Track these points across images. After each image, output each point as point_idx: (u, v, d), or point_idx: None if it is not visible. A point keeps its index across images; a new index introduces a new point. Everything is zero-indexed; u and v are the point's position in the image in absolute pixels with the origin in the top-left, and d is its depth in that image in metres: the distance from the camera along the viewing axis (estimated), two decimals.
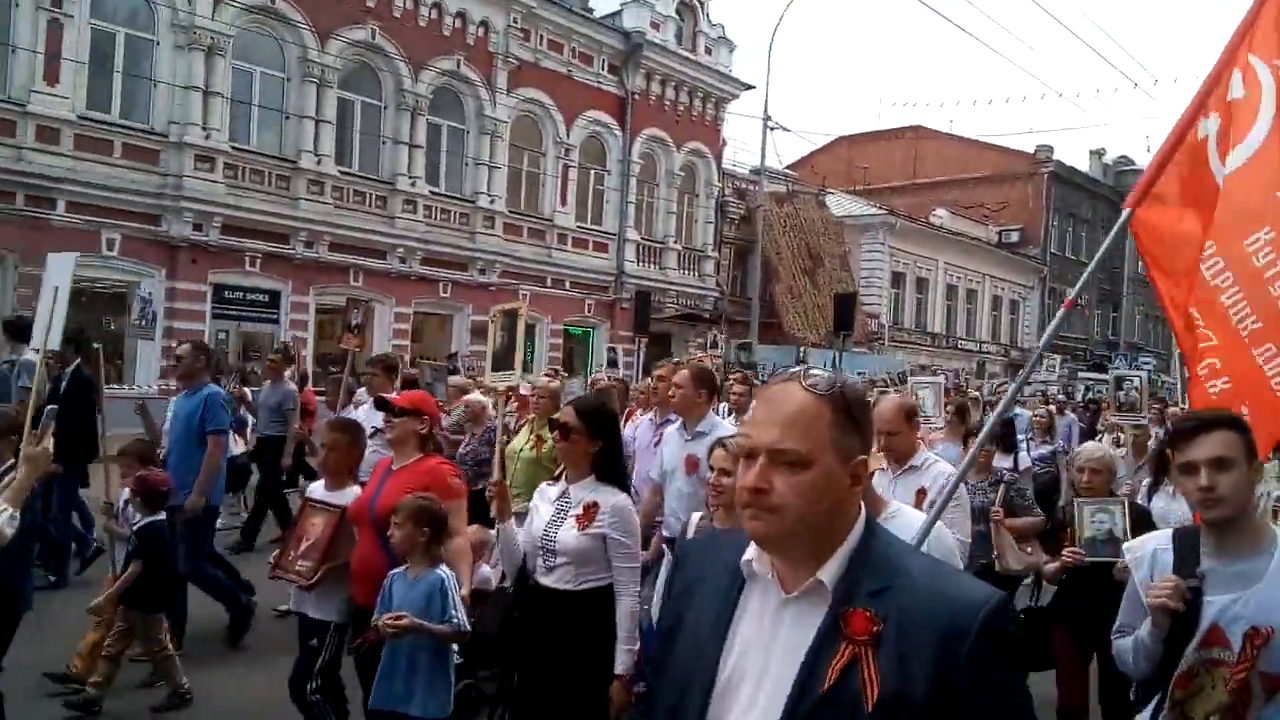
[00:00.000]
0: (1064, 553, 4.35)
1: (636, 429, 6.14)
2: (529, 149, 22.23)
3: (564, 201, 22.84)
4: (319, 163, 17.83)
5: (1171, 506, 5.38)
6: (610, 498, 3.51)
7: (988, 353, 36.76)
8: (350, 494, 4.33)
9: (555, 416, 3.89)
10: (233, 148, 16.79)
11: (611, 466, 3.60)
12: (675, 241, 25.48)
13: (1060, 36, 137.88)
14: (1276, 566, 2.35)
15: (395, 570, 3.74)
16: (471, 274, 20.71)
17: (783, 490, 1.40)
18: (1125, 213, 2.83)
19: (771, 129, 24.67)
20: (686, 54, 25.03)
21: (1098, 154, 44.14)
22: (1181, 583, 2.38)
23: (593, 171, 23.68)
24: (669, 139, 24.95)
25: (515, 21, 20.82)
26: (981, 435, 3.23)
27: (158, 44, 16.06)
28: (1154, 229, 2.93)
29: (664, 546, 5.18)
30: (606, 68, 23.35)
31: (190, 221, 16.21)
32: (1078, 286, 3.06)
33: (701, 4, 25.77)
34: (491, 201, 20.84)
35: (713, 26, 26.07)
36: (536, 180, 22.51)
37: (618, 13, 24.15)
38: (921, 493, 4.13)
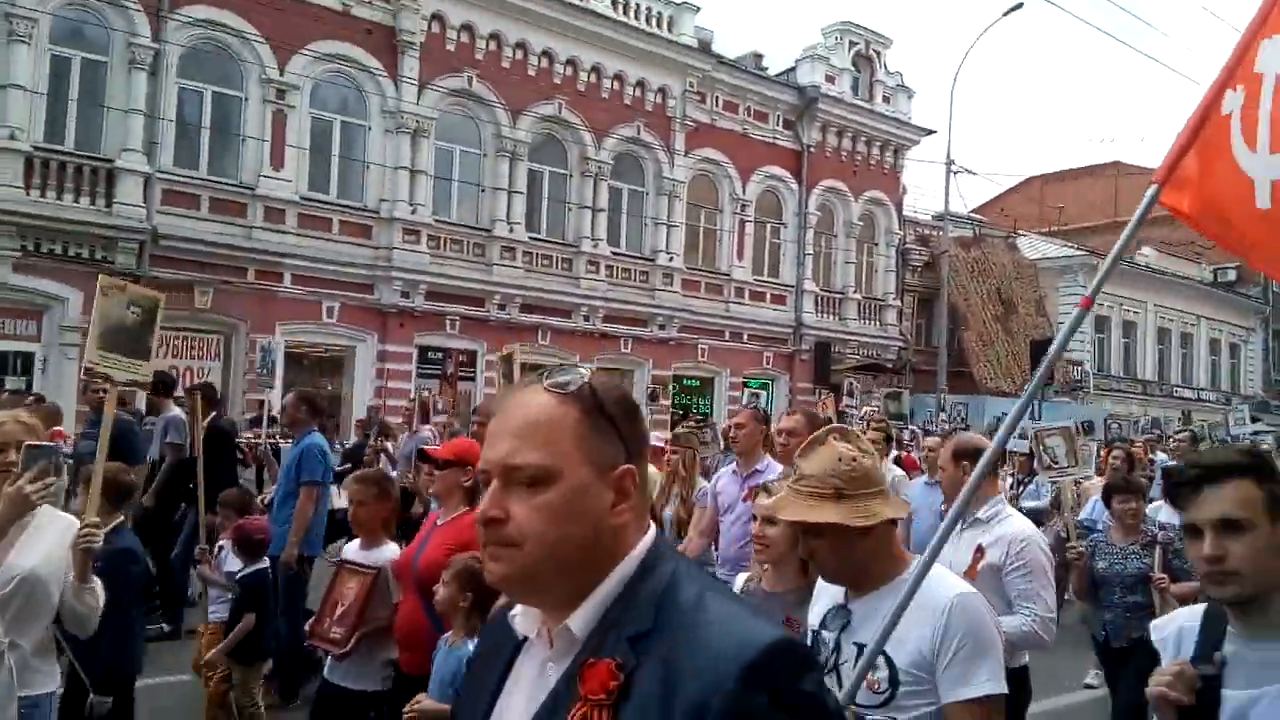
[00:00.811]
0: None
1: (718, 482, 5.54)
2: (706, 206, 22.74)
3: (740, 256, 23.14)
4: (511, 230, 18.98)
5: None
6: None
7: (1206, 400, 33.85)
8: (386, 553, 4.07)
9: None
10: (435, 220, 18.18)
11: None
12: (855, 291, 25.19)
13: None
14: None
15: (444, 635, 3.43)
16: (651, 329, 21.28)
17: (521, 517, 1.15)
18: (1152, 189, 2.50)
19: (955, 173, 24.16)
20: (863, 104, 24.96)
21: None
22: (1190, 669, 1.87)
23: (769, 225, 23.89)
24: (846, 189, 24.84)
25: (692, 85, 21.52)
26: (979, 467, 2.57)
27: (369, 129, 17.71)
28: (1182, 212, 2.61)
29: None
30: (782, 123, 23.63)
31: (399, 290, 17.61)
32: (1096, 282, 2.55)
33: (878, 54, 25.69)
34: (670, 259, 21.42)
35: (890, 75, 25.90)
36: (714, 236, 22.95)
37: (792, 69, 24.47)
38: (979, 552, 3.66)
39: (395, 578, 3.90)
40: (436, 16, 17.97)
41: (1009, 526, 3.68)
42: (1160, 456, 12.38)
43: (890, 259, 26.21)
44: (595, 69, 20.09)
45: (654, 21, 20.80)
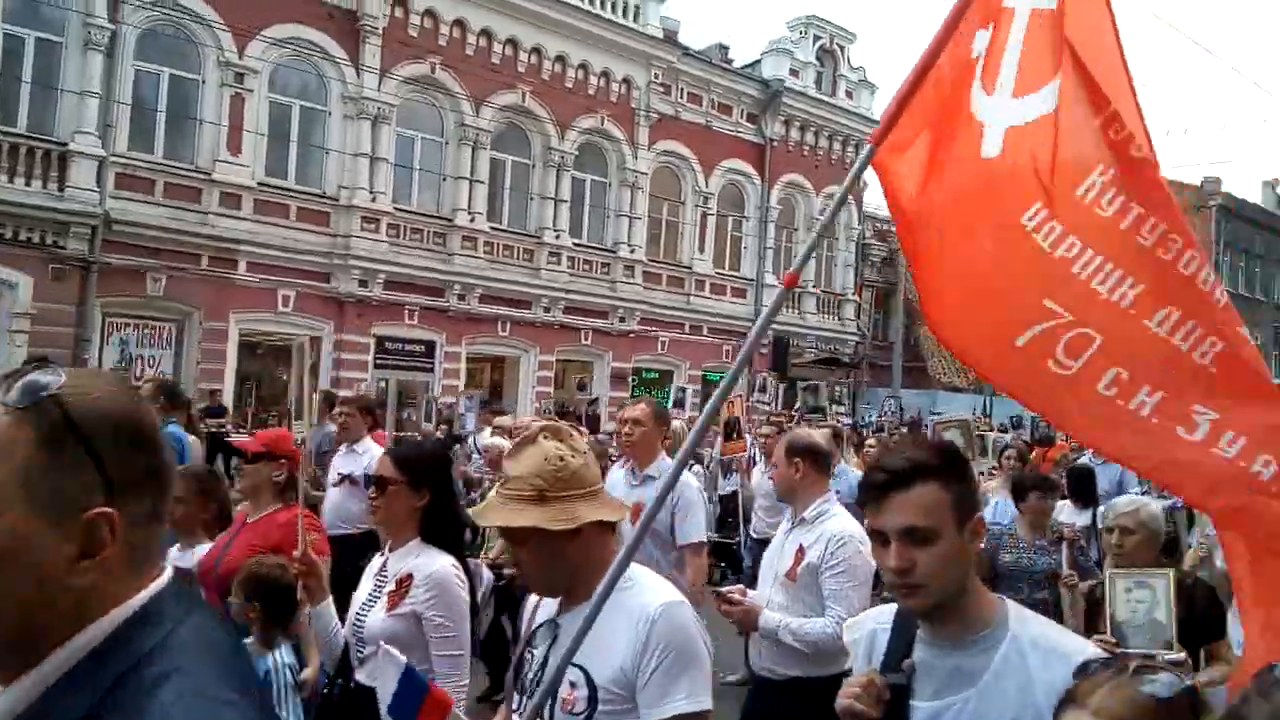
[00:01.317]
0: (1092, 640, 3.60)
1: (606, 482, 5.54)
2: (668, 199, 22.72)
3: (702, 249, 23.17)
4: (472, 220, 18.78)
5: None
6: (430, 564, 2.82)
7: None
8: (199, 554, 3.65)
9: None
10: (395, 208, 17.92)
11: (442, 526, 2.94)
12: (814, 286, 25.39)
13: (1215, 69, 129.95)
14: (1002, 661, 1.70)
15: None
16: (612, 321, 21.25)
17: None
18: (867, 149, 2.23)
19: None
20: (826, 99, 25.08)
21: (1271, 185, 41.33)
22: (879, 680, 1.75)
23: (731, 219, 23.95)
24: (808, 184, 24.98)
25: (656, 77, 21.43)
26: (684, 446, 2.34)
27: (329, 115, 17.37)
28: (890, 173, 2.31)
29: None
30: (745, 117, 23.66)
31: (357, 278, 17.35)
32: (798, 260, 2.37)
33: (842, 49, 25.81)
34: (631, 251, 21.38)
35: (853, 70, 26.04)
36: (675, 229, 22.95)
37: (757, 62, 24.49)
38: (800, 552, 3.54)
39: (199, 581, 3.49)
40: (399, 2, 17.65)
41: (830, 525, 3.55)
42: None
43: (850, 254, 26.45)
44: (560, 58, 19.90)
45: (620, 11, 20.63)
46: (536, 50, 19.53)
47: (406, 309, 18.12)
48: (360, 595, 2.93)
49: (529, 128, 19.90)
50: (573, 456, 2.04)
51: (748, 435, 8.87)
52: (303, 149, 17.29)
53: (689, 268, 22.96)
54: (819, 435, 4.18)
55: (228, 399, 15.66)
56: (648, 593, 2.02)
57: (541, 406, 16.93)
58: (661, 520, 4.41)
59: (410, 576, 2.80)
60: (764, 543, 6.87)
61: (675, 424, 7.85)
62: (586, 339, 20.98)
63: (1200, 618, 3.54)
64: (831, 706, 1.79)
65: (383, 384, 18.21)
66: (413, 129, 18.39)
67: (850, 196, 26.03)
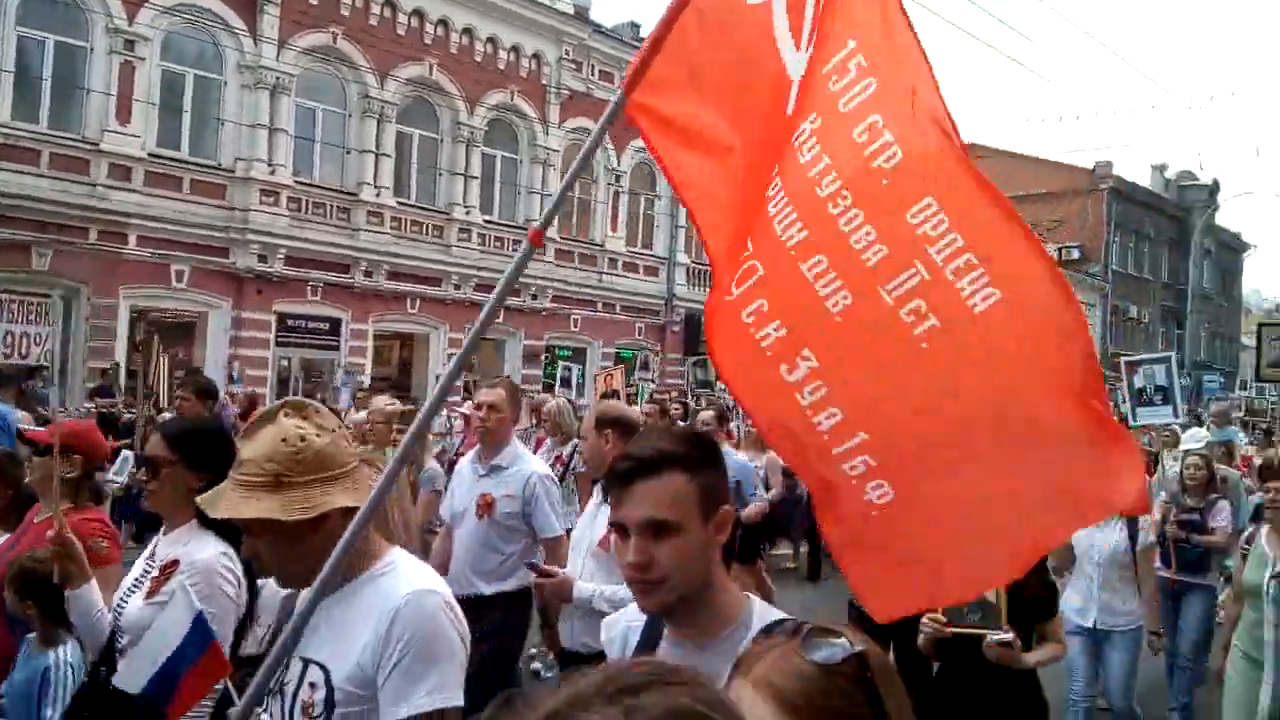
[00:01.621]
0: (924, 620, 3.43)
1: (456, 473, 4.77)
2: (580, 177, 22.54)
3: (614, 227, 23.15)
4: (378, 194, 18.37)
5: (1096, 536, 5.03)
6: (198, 551, 2.57)
7: None
8: None
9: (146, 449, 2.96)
10: (296, 182, 17.41)
11: None
12: None
13: (1111, 57, 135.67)
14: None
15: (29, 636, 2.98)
16: (524, 299, 21.08)
17: None
18: (618, 95, 2.08)
19: None
20: None
21: (1159, 169, 43.30)
22: None
23: (643, 197, 23.98)
24: None
25: (567, 54, 21.27)
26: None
27: (225, 84, 16.75)
28: (657, 116, 2.17)
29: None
30: None
31: (256, 253, 16.81)
32: (545, 216, 2.22)
33: None
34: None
35: None
36: (588, 207, 22.87)
37: None
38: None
39: None
40: None
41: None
42: None
43: None
44: (468, 31, 19.57)
45: None
46: (443, 22, 19.18)
47: (310, 285, 17.64)
48: (127, 580, 2.72)
49: (437, 102, 19.54)
50: (317, 435, 1.83)
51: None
52: (197, 119, 16.66)
53: (601, 246, 22.91)
54: (620, 408, 4.15)
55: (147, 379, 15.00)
56: (399, 582, 1.83)
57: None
58: (514, 512, 4.19)
59: (175, 563, 2.57)
60: None
61: (552, 403, 7.71)
62: (499, 317, 20.71)
63: (1032, 597, 3.47)
64: None
65: (285, 362, 17.79)
66: (314, 100, 17.87)
67: None
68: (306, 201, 17.62)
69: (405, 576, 1.86)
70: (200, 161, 16.57)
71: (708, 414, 7.96)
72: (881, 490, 1.99)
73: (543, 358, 21.60)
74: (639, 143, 23.15)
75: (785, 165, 2.10)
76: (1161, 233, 42.25)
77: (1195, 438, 8.11)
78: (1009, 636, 3.31)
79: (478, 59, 19.87)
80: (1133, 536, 5.00)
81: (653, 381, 16.77)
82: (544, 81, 21.03)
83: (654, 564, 1.58)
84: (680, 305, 24.12)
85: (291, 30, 17.02)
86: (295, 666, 1.81)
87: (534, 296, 21.23)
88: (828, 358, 2.02)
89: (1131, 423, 8.39)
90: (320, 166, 18.16)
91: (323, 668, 1.78)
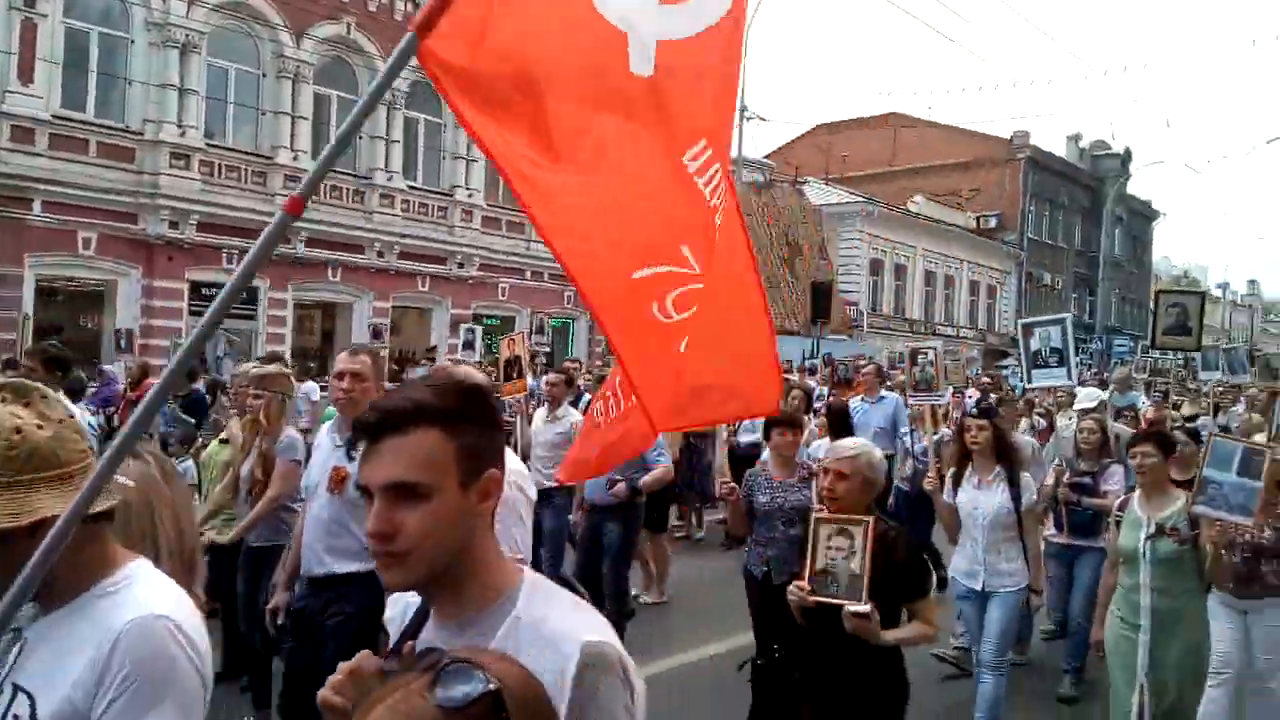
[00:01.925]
0: (790, 588, 3.43)
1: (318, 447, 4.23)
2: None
3: None
4: (295, 158, 17.83)
5: (979, 499, 5.07)
6: None
7: (966, 337, 37.11)
8: None
9: None
10: (208, 145, 16.79)
11: None
12: None
13: (1028, 28, 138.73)
14: (499, 647, 1.33)
15: None
16: (450, 267, 20.78)
17: None
18: (408, 36, 1.67)
19: (748, 118, 24.87)
20: None
21: (1074, 139, 44.55)
22: (370, 664, 1.40)
23: None
24: None
25: None
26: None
27: (132, 42, 16.02)
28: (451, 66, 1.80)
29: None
30: None
31: (166, 219, 16.21)
32: (306, 182, 1.68)
33: None
34: (469, 195, 20.89)
35: None
36: None
37: None
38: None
39: None
40: None
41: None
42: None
43: None
44: None
45: None
46: None
47: (224, 253, 17.07)
48: None
49: (355, 62, 19.00)
50: (39, 428, 1.52)
51: (529, 375, 8.25)
52: (103, 80, 15.94)
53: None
54: (477, 373, 3.91)
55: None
56: (128, 602, 1.53)
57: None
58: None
59: None
60: (542, 495, 6.39)
61: (462, 369, 7.34)
62: (424, 285, 20.43)
63: (902, 572, 3.38)
64: None
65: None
66: (226, 59, 17.21)
67: None
68: (219, 165, 17.02)
69: (136, 596, 1.55)
70: (107, 124, 15.86)
71: (552, 375, 7.84)
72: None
73: (464, 325, 21.33)
74: None
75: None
76: (1075, 201, 43.60)
77: (1090, 397, 8.06)
78: (866, 609, 3.19)
79: (398, 18, 19.33)
80: (1015, 499, 4.99)
81: (546, 348, 16.32)
82: None
83: (399, 533, 1.36)
84: None
85: None
86: (6, 692, 1.52)
87: (460, 265, 20.94)
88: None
89: (1026, 384, 8.46)
90: (234, 129, 17.54)
91: (29, 697, 1.49)
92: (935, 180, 39.43)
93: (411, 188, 20.03)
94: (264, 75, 17.69)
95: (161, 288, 16.40)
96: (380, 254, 19.40)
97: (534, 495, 3.37)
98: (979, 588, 5.03)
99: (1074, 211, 43.76)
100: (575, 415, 6.94)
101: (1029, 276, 40.92)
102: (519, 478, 3.23)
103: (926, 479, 5.72)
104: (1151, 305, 48.94)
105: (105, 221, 15.71)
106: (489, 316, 22.10)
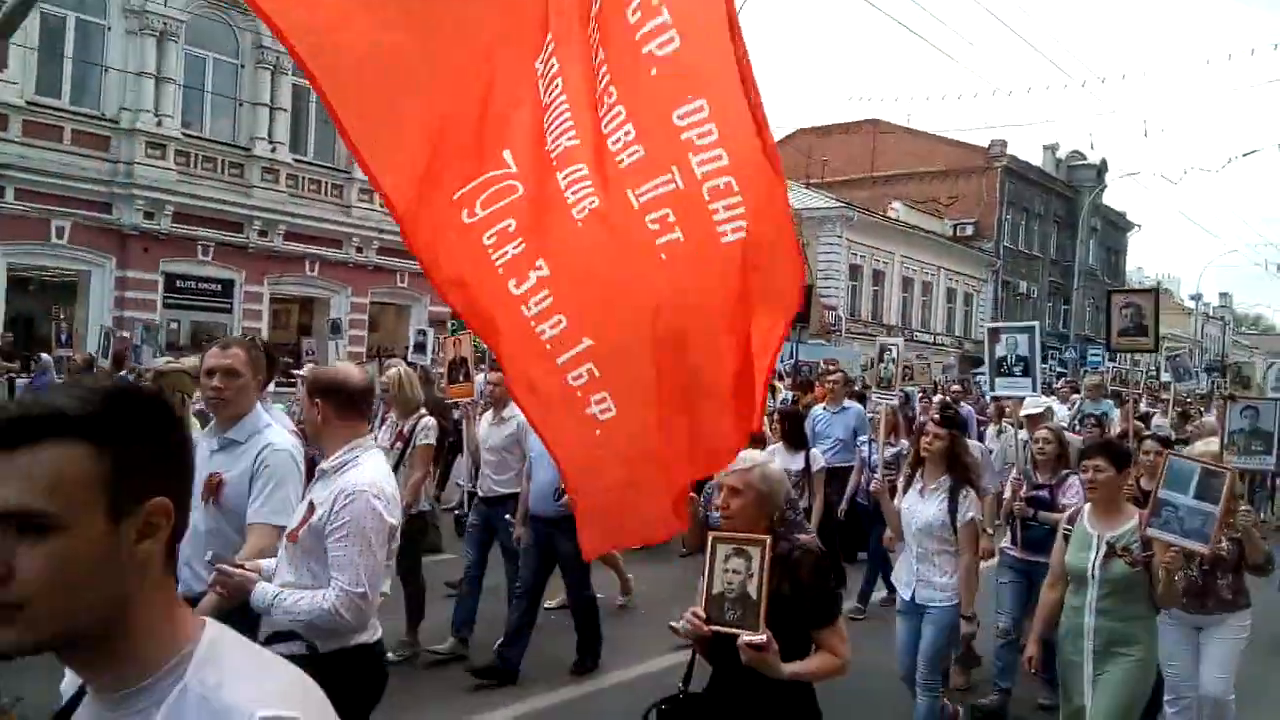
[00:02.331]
0: (684, 616, 3.04)
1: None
2: None
3: None
4: (273, 150, 17.68)
5: (917, 506, 4.81)
6: None
7: (942, 344, 37.36)
8: None
9: None
10: (185, 134, 16.62)
11: None
12: None
13: (1009, 37, 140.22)
14: (167, 718, 1.07)
15: None
16: None
17: None
18: None
19: None
20: None
21: (1050, 149, 44.95)
22: None
23: None
24: None
25: None
26: None
27: (109, 29, 15.83)
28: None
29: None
30: None
31: (141, 209, 16.01)
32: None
33: None
34: None
35: None
36: None
37: None
38: (310, 510, 2.92)
39: None
40: None
41: (348, 477, 2.90)
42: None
43: None
44: None
45: None
46: None
47: (200, 244, 16.92)
48: None
49: None
50: None
51: (478, 377, 7.53)
52: (79, 67, 15.74)
53: None
54: (333, 372, 3.27)
55: None
56: None
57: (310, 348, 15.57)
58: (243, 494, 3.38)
59: None
60: (492, 502, 6.20)
61: (391, 372, 6.57)
62: (402, 281, 20.31)
63: (808, 596, 2.97)
64: (341, 681, 1.46)
65: (174, 325, 17.06)
66: (204, 48, 17.05)
67: None
68: (196, 155, 16.84)
69: None
70: (82, 111, 15.66)
71: (494, 375, 6.28)
72: (604, 405, 1.96)
73: (449, 323, 21.22)
74: None
75: (570, 70, 1.92)
76: (1051, 211, 43.99)
77: (1036, 403, 7.56)
78: (761, 639, 2.80)
79: None
80: (953, 511, 4.69)
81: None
82: None
83: (10, 577, 1.01)
84: None
85: None
86: None
87: None
88: (559, 264, 1.93)
89: (989, 393, 8.05)
90: (211, 119, 17.37)
91: None
92: (914, 187, 39.67)
93: None
94: (243, 65, 17.54)
95: (135, 278, 16.21)
96: (359, 249, 19.27)
97: (396, 519, 2.96)
98: (910, 598, 4.82)
99: (1050, 221, 44.17)
100: (523, 416, 6.15)
101: (1005, 284, 41.25)
102: (374, 493, 2.85)
103: (875, 481, 5.53)
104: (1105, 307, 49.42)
105: (79, 210, 15.51)
106: None
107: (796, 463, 6.46)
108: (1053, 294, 44.92)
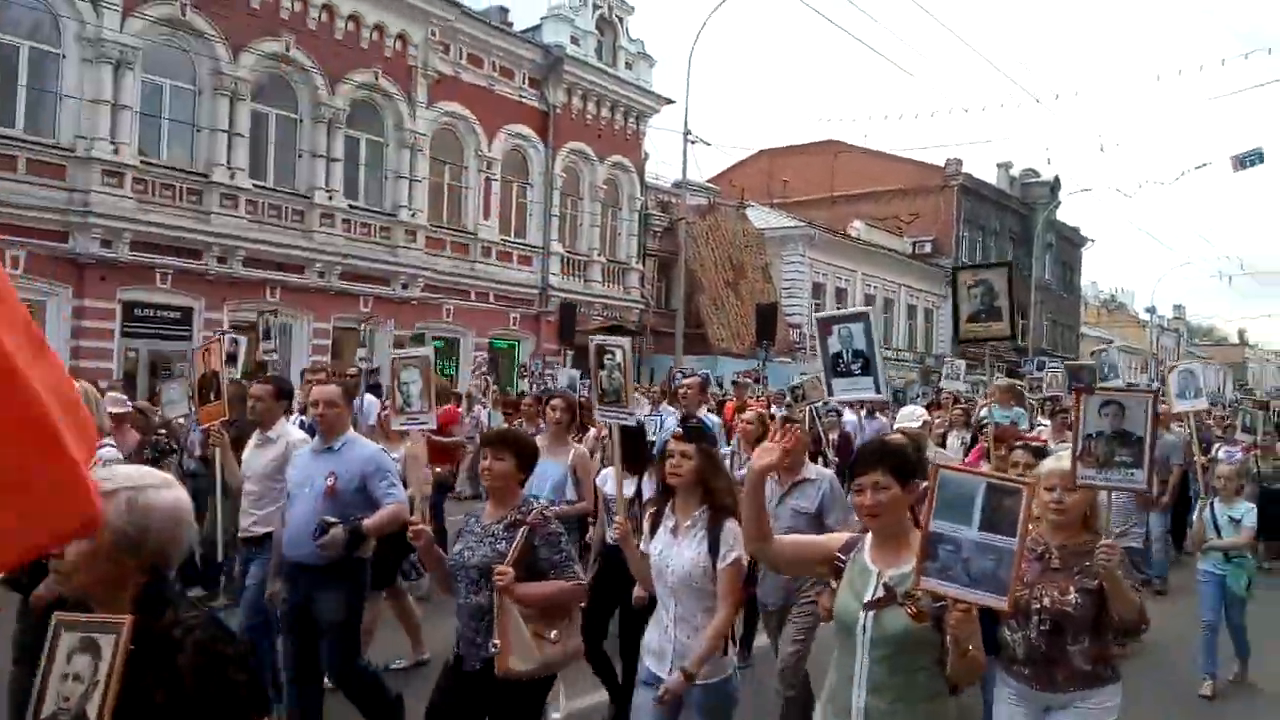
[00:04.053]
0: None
1: None
2: (450, 162, 22.17)
3: (487, 215, 22.80)
4: (232, 176, 17.49)
5: (671, 551, 3.58)
6: None
7: (904, 360, 37.76)
8: None
9: None
10: (142, 162, 16.39)
11: None
12: (599, 254, 25.64)
13: (965, 55, 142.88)
14: None
15: None
16: (394, 288, 20.53)
17: None
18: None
19: (692, 142, 25.02)
20: (607, 69, 25.26)
21: (1004, 167, 45.79)
22: None
23: (515, 185, 23.71)
24: (591, 153, 25.13)
25: (433, 34, 20.78)
26: None
27: (64, 57, 15.60)
28: None
29: None
30: (528, 81, 23.43)
31: (98, 238, 15.75)
32: None
33: (621, 20, 26.05)
34: (413, 215, 20.70)
35: (633, 42, 26.37)
36: (459, 194, 22.45)
37: (537, 27, 24.28)
38: None
39: None
40: None
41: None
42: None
43: (633, 224, 26.88)
44: (327, 7, 18.86)
45: None
46: None
47: (158, 272, 16.66)
48: None
49: (295, 79, 18.75)
50: None
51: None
52: (33, 95, 15.48)
53: (474, 234, 22.53)
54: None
55: None
56: None
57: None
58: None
59: None
60: (255, 543, 5.37)
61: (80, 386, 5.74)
62: (366, 306, 20.15)
63: (190, 708, 1.88)
64: None
65: (133, 354, 16.79)
66: (161, 75, 16.85)
67: (633, 168, 26.52)
68: (153, 183, 16.61)
69: None
70: (37, 140, 15.38)
71: (261, 389, 5.63)
72: None
73: (406, 345, 21.07)
74: (512, 127, 22.95)
75: None
76: (1006, 227, 44.75)
77: (911, 416, 6.95)
78: None
79: (338, 36, 19.17)
80: (714, 552, 3.47)
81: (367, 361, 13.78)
82: (410, 63, 20.49)
83: None
84: (555, 295, 23.99)
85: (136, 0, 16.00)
86: None
87: (404, 285, 20.70)
88: None
89: (829, 397, 6.45)
90: (168, 146, 17.16)
91: None
92: (874, 205, 40.19)
93: (353, 207, 19.78)
94: (200, 92, 17.36)
95: (93, 308, 15.91)
96: (321, 274, 19.10)
97: None
98: (666, 675, 3.45)
99: (1005, 238, 44.91)
100: (294, 434, 5.46)
101: None
102: None
103: (615, 524, 4.06)
104: (1085, 329, 50.00)
105: (35, 240, 15.21)
106: (434, 338, 21.87)
107: (628, 488, 4.64)
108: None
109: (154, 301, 16.86)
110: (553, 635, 3.50)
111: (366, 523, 4.54)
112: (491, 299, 23.00)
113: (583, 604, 3.80)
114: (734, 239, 30.58)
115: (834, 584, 2.90)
